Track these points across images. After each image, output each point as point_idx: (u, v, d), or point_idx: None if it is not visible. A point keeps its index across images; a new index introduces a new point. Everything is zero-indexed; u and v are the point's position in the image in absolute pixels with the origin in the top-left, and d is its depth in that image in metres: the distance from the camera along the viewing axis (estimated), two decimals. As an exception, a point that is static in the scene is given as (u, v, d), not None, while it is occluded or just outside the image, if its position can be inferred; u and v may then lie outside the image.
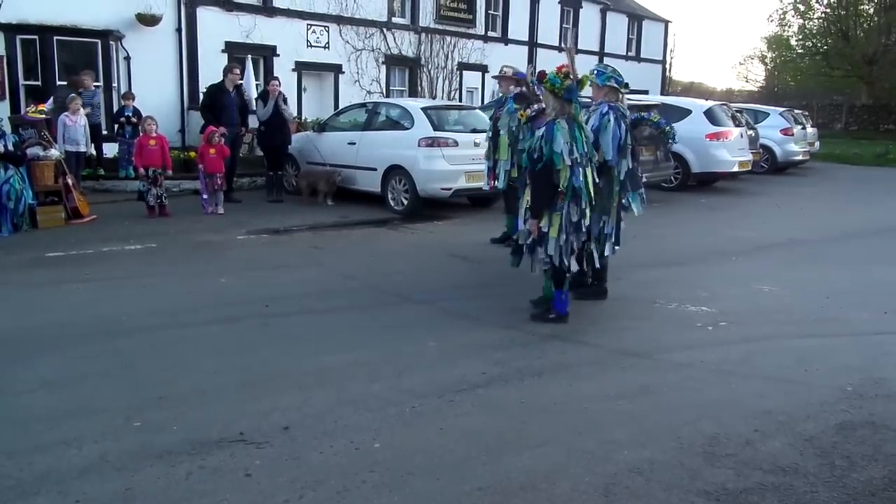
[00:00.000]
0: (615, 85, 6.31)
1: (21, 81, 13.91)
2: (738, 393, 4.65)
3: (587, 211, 5.84)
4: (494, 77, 10.60)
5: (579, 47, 25.11)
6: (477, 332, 5.68)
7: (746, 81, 60.09)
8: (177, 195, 12.11)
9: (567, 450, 3.81)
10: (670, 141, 7.23)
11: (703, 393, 4.65)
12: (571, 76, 5.71)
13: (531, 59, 24.01)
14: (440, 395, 4.47)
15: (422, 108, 11.50)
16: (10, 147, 9.39)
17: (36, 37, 13.85)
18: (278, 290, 6.83)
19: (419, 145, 11.02)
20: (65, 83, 13.35)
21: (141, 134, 11.19)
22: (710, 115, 15.17)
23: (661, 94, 29.93)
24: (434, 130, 11.09)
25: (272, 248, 8.89)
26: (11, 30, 13.72)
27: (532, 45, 24.80)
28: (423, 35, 20.68)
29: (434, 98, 19.84)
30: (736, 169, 15.18)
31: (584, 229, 5.89)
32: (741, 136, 15.48)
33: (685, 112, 15.00)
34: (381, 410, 4.21)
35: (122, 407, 4.21)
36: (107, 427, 3.96)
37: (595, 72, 6.38)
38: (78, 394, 4.42)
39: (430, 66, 20.84)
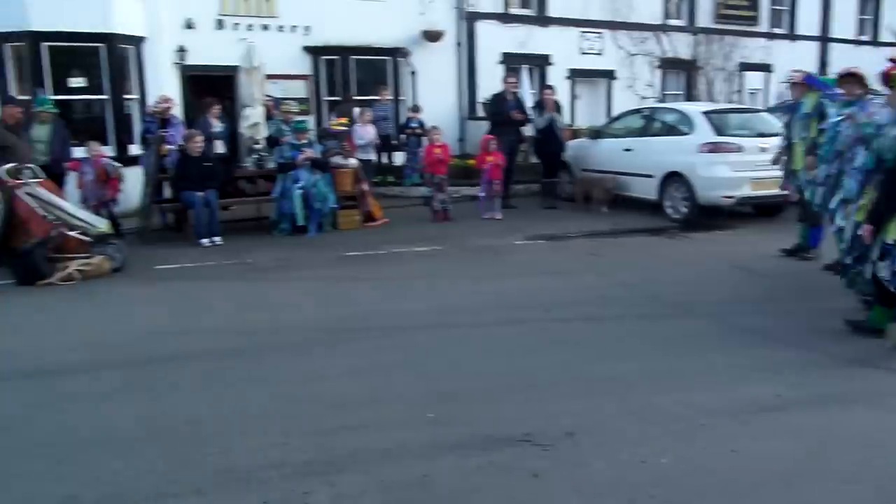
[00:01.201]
0: None
1: (324, 97, 15.38)
2: None
3: None
4: (783, 82, 9.85)
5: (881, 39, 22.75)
6: (768, 350, 5.27)
7: None
8: (457, 201, 12.64)
9: (877, 489, 3.39)
10: None
11: None
12: None
13: (823, 57, 22.15)
14: (732, 414, 4.19)
15: (702, 112, 11.03)
16: (318, 155, 10.47)
17: (337, 57, 15.30)
18: (557, 295, 6.87)
19: (700, 151, 10.55)
20: (340, 99, 14.65)
21: (427, 143, 11.89)
22: None
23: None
24: (716, 135, 10.56)
25: (550, 253, 8.96)
26: (317, 52, 15.26)
27: (824, 40, 22.54)
28: (701, 35, 19.79)
29: (713, 101, 18.82)
30: None
31: None
32: None
33: None
34: (667, 424, 4.03)
35: (416, 398, 4.42)
36: (404, 416, 4.17)
37: None
38: (377, 382, 4.70)
39: (708, 67, 19.93)
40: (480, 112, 16.48)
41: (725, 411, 4.21)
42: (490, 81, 15.99)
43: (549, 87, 12.74)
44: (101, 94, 12.26)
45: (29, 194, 8.34)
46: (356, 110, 12.76)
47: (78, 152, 10.48)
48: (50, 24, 11.53)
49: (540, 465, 3.59)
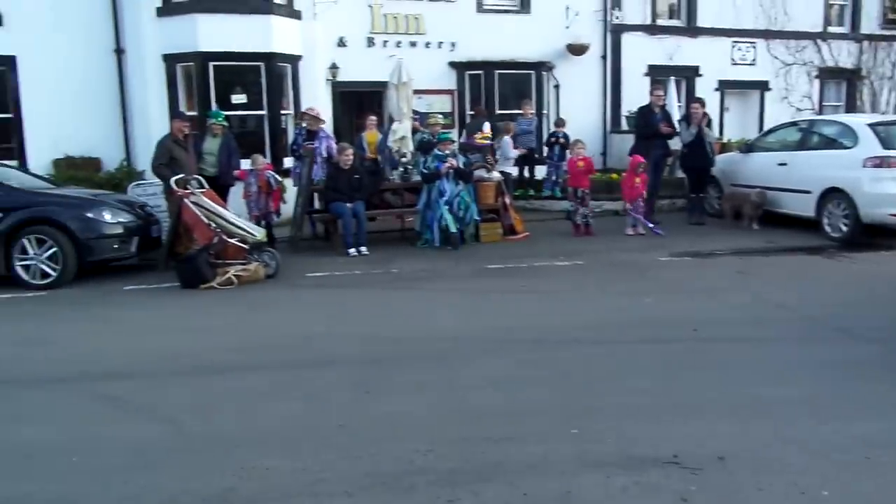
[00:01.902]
0: None
1: (468, 111, 15.43)
2: None
3: None
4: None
5: None
6: (941, 381, 4.93)
7: None
8: (599, 215, 12.40)
9: None
10: None
11: None
12: None
13: None
14: (901, 448, 3.95)
15: (867, 125, 10.33)
16: (461, 166, 10.57)
17: (481, 72, 15.45)
18: (705, 314, 6.61)
19: (864, 166, 9.91)
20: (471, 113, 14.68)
21: (570, 156, 11.74)
22: None
23: None
24: (883, 149, 9.87)
25: (696, 270, 8.69)
26: (462, 67, 15.45)
27: None
28: (866, 43, 18.55)
29: (878, 113, 17.56)
30: None
31: None
32: None
33: None
34: (827, 455, 3.76)
35: (560, 412, 4.33)
36: (547, 429, 4.09)
37: None
38: (520, 395, 4.64)
39: (872, 76, 18.65)
40: (624, 125, 16.21)
41: (893, 445, 3.87)
42: (635, 94, 15.74)
43: (698, 101, 12.29)
44: (260, 109, 12.92)
45: (195, 203, 8.74)
46: (499, 124, 12.85)
47: (243, 165, 11.04)
48: (217, 46, 12.41)
49: (689, 488, 3.43)
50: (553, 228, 11.71)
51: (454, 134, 14.19)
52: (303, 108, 12.70)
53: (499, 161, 12.14)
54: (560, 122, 14.49)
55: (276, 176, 10.86)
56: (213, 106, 12.02)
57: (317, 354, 5.69)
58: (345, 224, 10.00)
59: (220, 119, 10.59)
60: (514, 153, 12.61)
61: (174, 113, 11.18)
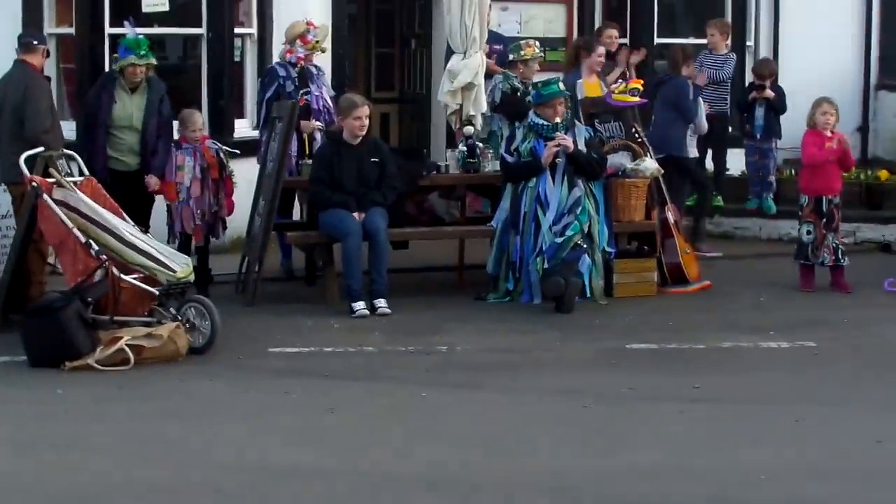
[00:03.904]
0: None
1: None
2: None
3: None
4: None
5: None
6: None
7: None
8: (856, 250, 11.86)
9: None
10: None
11: None
12: None
13: None
14: None
15: None
16: (583, 147, 9.91)
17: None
18: None
19: None
20: None
21: (808, 130, 10.80)
22: None
23: None
24: None
25: None
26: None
27: None
28: None
29: None
30: None
31: None
32: None
33: None
34: None
35: None
36: None
37: None
38: None
39: None
40: None
41: None
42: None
43: None
44: (195, 26, 12.34)
45: (62, 203, 8.39)
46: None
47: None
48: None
49: None
50: (763, 274, 11.28)
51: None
52: (277, 25, 12.13)
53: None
54: (766, 67, 13.46)
55: (225, 149, 10.39)
56: (129, 30, 11.01)
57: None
58: (348, 253, 9.42)
59: (142, 52, 10.07)
60: (702, 119, 11.75)
61: (27, 35, 10.41)
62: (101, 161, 9.92)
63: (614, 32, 13.40)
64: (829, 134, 10.61)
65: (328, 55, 12.95)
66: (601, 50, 11.99)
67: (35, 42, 10.11)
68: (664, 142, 11.58)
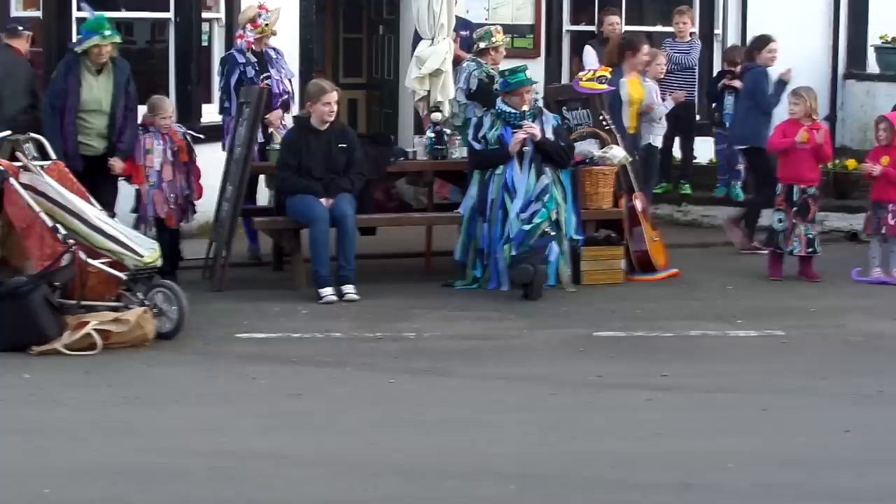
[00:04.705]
0: None
1: (566, 27, 15.05)
2: None
3: None
4: None
5: None
6: None
7: None
8: (827, 239, 11.96)
9: None
10: None
11: None
12: None
13: None
14: None
15: None
16: (550, 135, 9.92)
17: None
18: None
19: None
20: None
21: (788, 118, 11.02)
22: None
23: None
24: None
25: None
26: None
27: None
28: None
29: None
30: None
31: None
32: None
33: None
34: None
35: None
36: None
37: None
38: None
39: None
40: (874, 65, 15.74)
41: None
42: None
43: None
44: (162, 10, 12.30)
45: (28, 187, 8.42)
46: (644, 49, 11.70)
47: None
48: None
49: None
50: (731, 262, 11.33)
51: (538, 71, 13.09)
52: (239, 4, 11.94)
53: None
54: (735, 55, 13.53)
55: (192, 133, 10.38)
56: (88, 13, 10.87)
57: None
58: (315, 240, 9.52)
59: (107, 32, 10.03)
60: (665, 108, 11.81)
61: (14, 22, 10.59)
62: (72, 146, 9.95)
63: (616, 19, 13.47)
64: (808, 124, 10.78)
65: (295, 40, 13.15)
66: (646, 48, 11.88)
67: (20, 28, 10.57)
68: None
